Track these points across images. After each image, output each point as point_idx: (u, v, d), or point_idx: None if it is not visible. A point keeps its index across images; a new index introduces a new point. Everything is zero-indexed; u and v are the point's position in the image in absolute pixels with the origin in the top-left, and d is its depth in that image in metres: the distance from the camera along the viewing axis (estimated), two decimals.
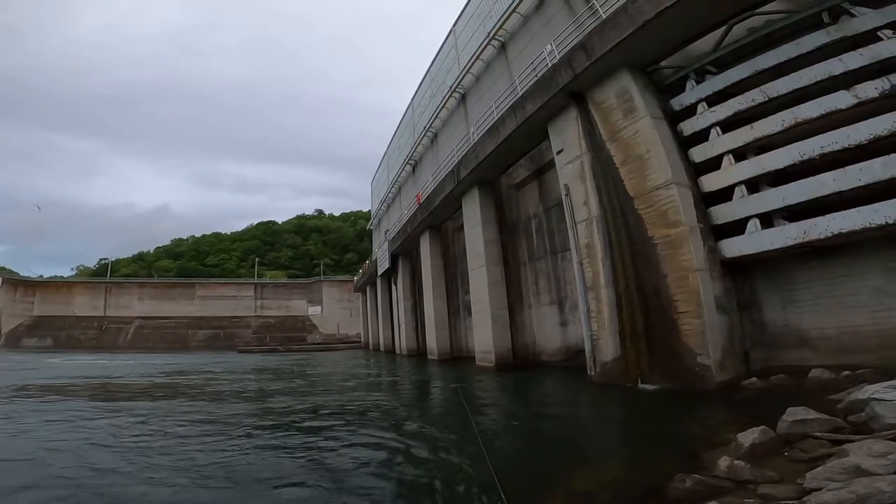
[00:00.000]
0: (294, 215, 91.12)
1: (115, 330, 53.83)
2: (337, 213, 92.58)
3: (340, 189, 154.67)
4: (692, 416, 5.46)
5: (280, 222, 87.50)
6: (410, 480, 3.88)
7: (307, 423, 6.38)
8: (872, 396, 3.72)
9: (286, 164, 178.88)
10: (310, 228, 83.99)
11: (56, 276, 64.50)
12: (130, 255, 78.79)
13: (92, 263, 78.03)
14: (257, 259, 68.42)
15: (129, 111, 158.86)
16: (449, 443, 5.03)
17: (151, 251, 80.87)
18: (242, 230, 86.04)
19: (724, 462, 3.20)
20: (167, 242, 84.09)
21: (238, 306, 59.17)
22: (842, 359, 6.19)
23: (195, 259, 74.75)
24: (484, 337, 13.93)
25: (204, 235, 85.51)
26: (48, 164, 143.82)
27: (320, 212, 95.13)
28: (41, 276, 59.78)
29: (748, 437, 3.53)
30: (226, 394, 10.22)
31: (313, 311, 58.75)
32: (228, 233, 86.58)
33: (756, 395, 6.11)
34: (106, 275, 62.93)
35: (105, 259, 74.75)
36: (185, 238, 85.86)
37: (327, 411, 7.38)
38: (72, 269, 78.08)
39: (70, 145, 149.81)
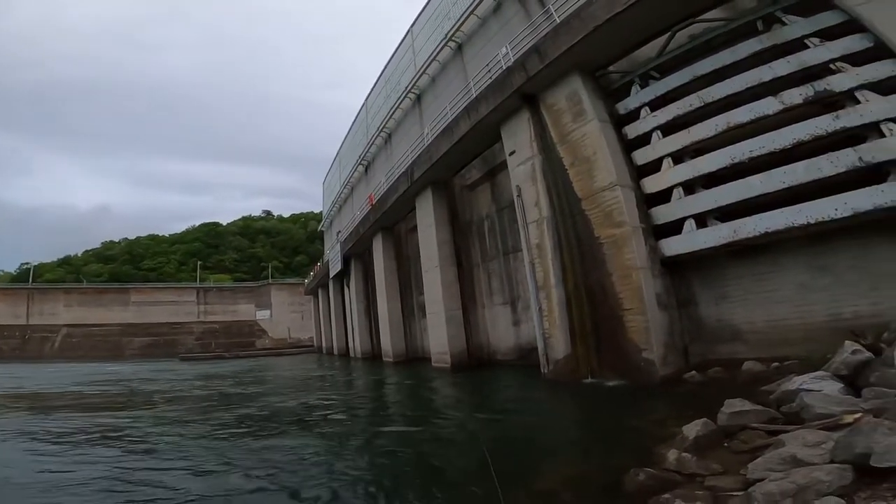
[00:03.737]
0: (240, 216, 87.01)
1: (39, 339, 48.82)
2: (286, 215, 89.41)
3: (292, 190, 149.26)
4: (640, 411, 5.60)
5: (225, 224, 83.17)
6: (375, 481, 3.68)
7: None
8: (801, 387, 3.92)
9: (235, 164, 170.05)
10: (257, 230, 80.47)
11: None
12: (55, 259, 71.80)
13: (12, 268, 70.56)
14: (199, 262, 64.53)
15: (65, 107, 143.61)
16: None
17: (79, 254, 74.16)
18: (183, 232, 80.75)
19: (672, 455, 3.27)
20: (97, 246, 77.52)
21: (179, 312, 55.66)
22: (771, 351, 6.55)
23: (129, 263, 69.32)
24: (439, 338, 13.82)
25: (138, 238, 79.37)
26: None
27: (268, 213, 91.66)
28: None
29: (692, 429, 3.62)
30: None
31: (262, 315, 56.42)
32: (167, 235, 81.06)
33: (696, 388, 6.37)
34: (28, 280, 57.03)
35: (27, 263, 67.47)
36: (116, 241, 79.40)
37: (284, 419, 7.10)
38: None
39: None
